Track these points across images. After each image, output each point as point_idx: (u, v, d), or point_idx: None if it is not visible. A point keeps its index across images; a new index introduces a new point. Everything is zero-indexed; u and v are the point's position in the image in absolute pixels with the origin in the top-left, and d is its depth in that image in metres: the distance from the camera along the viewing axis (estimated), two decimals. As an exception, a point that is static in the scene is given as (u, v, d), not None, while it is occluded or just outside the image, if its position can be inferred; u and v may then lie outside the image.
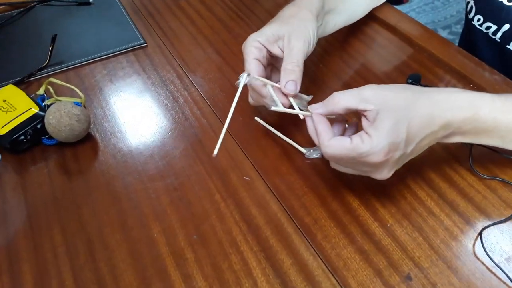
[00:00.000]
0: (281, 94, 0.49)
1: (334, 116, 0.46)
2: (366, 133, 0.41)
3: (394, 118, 0.40)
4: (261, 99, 0.51)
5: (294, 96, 0.49)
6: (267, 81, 0.50)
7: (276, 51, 0.51)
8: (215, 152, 0.43)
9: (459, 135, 0.44)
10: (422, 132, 0.42)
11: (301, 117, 0.47)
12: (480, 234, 0.45)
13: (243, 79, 0.49)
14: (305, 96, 0.52)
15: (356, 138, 0.41)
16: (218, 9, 0.79)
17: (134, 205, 0.49)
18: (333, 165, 0.47)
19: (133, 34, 0.73)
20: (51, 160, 0.54)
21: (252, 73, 0.49)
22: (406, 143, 0.41)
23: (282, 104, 0.48)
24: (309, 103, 0.49)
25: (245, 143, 0.55)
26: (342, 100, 0.43)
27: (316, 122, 0.44)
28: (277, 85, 0.50)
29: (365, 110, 0.42)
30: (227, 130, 0.44)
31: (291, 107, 0.49)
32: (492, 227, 0.45)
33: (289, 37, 0.50)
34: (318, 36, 0.55)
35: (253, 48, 0.50)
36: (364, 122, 0.42)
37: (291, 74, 0.49)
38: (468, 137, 0.45)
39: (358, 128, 0.46)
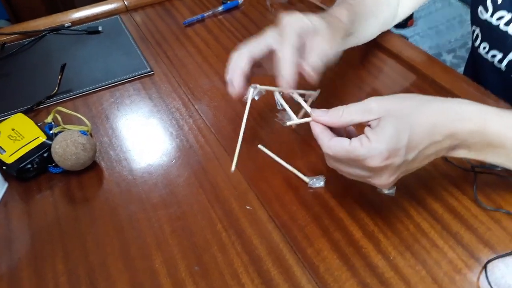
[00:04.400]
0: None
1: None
2: (366, 136, 0.41)
3: (395, 125, 0.40)
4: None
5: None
6: (274, 88, 0.49)
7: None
8: (233, 168, 0.44)
9: (464, 148, 0.44)
10: (425, 141, 0.41)
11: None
12: (485, 267, 0.44)
13: (250, 93, 0.47)
14: (314, 93, 0.51)
15: (355, 140, 0.41)
16: (224, 38, 0.81)
17: (137, 234, 0.49)
18: (334, 166, 0.45)
19: (140, 62, 0.75)
20: (56, 188, 0.54)
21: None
22: (407, 150, 0.41)
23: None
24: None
25: (247, 171, 0.55)
26: (347, 113, 0.43)
27: (313, 125, 0.44)
28: (287, 90, 0.48)
29: (369, 121, 0.42)
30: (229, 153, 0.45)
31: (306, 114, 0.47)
32: (497, 260, 0.44)
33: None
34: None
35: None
36: (366, 129, 0.42)
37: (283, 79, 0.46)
38: (474, 151, 0.44)
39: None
